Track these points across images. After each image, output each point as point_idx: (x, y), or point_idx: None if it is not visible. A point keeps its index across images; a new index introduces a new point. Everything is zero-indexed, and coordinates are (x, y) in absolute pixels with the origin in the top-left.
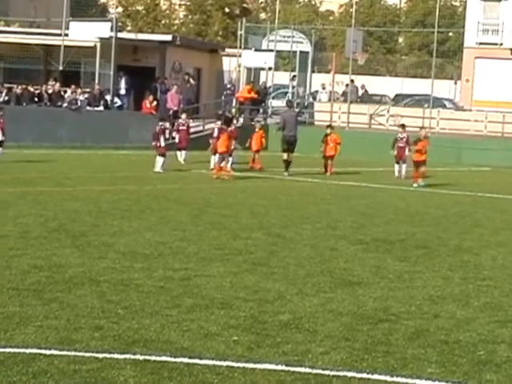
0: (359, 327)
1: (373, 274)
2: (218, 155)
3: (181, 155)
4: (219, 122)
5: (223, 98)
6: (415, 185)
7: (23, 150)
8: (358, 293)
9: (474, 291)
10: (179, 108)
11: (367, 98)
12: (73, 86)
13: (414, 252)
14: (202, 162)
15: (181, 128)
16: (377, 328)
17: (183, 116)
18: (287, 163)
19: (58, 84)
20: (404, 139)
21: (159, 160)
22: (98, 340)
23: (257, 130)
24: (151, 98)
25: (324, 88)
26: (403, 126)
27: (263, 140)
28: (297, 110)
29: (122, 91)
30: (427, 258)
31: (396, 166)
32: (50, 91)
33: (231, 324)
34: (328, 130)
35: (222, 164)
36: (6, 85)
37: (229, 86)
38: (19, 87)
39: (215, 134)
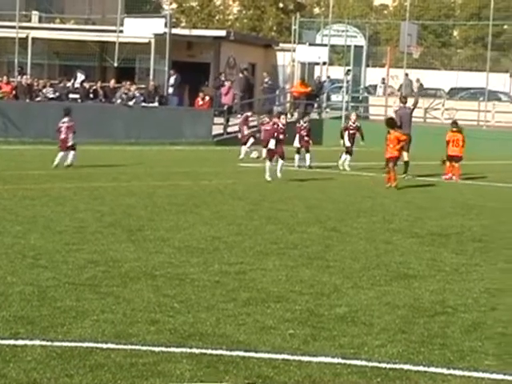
0: (415, 320)
1: (429, 267)
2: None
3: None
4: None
5: (262, 92)
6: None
7: (79, 147)
8: (413, 286)
9: None
10: (233, 103)
11: (422, 92)
12: (127, 83)
13: (470, 245)
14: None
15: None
16: (433, 321)
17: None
18: (406, 164)
19: (113, 80)
20: None
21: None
22: (154, 334)
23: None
24: (202, 94)
25: (383, 82)
26: None
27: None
28: (411, 106)
29: (170, 90)
30: (484, 251)
31: None
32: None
33: (287, 317)
34: (453, 129)
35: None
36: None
37: (266, 79)
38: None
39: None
